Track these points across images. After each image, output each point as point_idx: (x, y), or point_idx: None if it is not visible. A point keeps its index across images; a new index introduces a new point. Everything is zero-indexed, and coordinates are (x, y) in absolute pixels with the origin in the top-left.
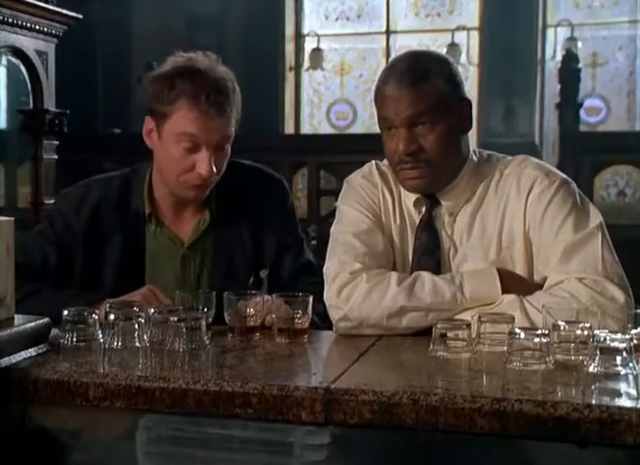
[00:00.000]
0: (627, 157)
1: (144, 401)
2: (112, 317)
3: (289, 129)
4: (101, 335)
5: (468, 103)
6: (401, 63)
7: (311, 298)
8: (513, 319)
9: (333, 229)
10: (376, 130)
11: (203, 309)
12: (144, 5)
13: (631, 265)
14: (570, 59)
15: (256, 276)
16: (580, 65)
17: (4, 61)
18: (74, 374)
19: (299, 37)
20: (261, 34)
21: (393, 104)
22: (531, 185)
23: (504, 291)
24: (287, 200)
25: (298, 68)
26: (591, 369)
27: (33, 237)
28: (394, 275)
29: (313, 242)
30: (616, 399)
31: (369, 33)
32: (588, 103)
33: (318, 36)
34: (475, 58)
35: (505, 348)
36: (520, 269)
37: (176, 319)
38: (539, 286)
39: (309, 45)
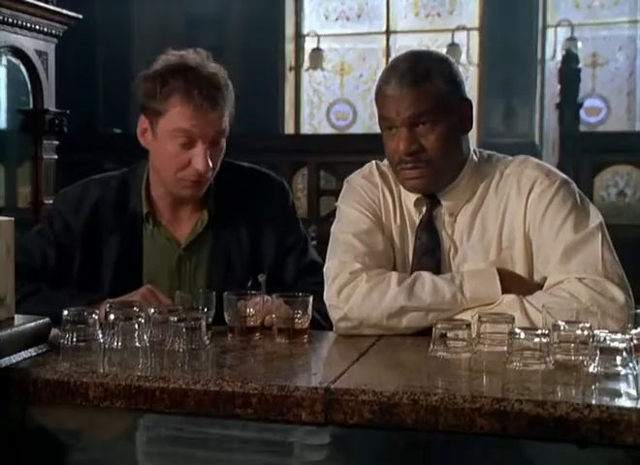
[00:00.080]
0: (627, 157)
1: (144, 401)
2: (111, 317)
3: (289, 129)
4: (101, 335)
5: (469, 103)
6: (402, 63)
7: (311, 298)
8: (513, 319)
9: (333, 229)
10: (376, 130)
11: (203, 309)
12: (144, 5)
13: (631, 265)
14: (570, 59)
15: (254, 280)
16: (580, 65)
17: (4, 61)
18: (74, 374)
19: (299, 37)
20: (261, 34)
21: (394, 103)
22: (532, 185)
23: (504, 291)
24: (287, 201)
25: (298, 68)
26: (591, 369)
27: (33, 237)
28: (394, 275)
29: (313, 242)
30: (616, 399)
31: (369, 33)
32: (588, 103)
33: (318, 36)
34: (475, 58)
35: (505, 348)
36: (520, 269)
37: (175, 319)
38: (539, 286)
39: (309, 45)
